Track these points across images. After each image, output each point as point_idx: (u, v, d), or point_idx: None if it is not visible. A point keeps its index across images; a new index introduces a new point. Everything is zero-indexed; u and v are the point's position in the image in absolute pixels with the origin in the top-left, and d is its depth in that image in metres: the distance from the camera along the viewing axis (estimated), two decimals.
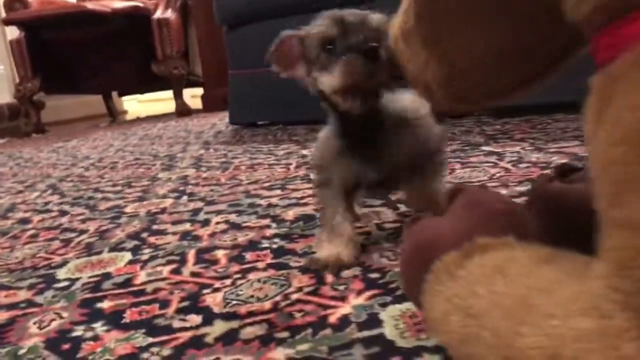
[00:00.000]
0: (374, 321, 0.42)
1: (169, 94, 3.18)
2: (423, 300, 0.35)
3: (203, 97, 3.01)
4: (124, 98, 4.17)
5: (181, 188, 1.03)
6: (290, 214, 0.75)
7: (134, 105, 4.72)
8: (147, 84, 3.15)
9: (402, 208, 0.70)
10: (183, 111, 2.92)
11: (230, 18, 1.88)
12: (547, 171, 0.76)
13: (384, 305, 0.44)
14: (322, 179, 0.58)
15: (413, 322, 0.40)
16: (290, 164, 1.14)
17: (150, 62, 2.88)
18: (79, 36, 2.84)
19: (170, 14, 2.85)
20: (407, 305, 0.43)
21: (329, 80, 0.52)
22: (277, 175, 1.03)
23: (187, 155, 1.47)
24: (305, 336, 0.41)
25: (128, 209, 0.90)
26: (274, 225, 0.70)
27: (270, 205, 0.81)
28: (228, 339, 0.42)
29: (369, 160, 0.55)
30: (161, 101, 4.28)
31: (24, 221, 0.91)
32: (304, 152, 1.27)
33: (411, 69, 0.42)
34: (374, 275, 0.50)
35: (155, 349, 0.41)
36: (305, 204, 0.79)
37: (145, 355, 0.41)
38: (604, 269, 0.24)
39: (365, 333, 0.40)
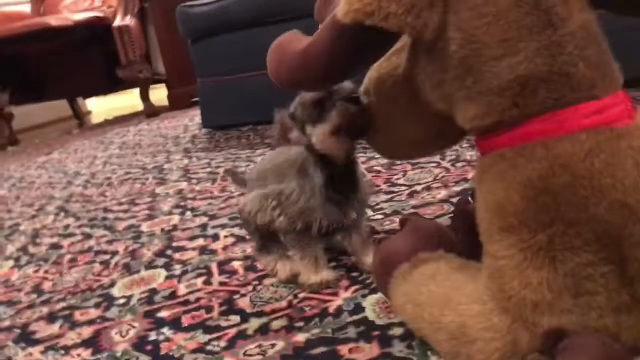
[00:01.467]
0: (359, 308, 0.62)
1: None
2: (389, 295, 0.55)
3: (169, 97, 3.15)
4: None
5: (182, 204, 1.21)
6: None
7: (96, 100, 4.79)
8: (113, 86, 3.28)
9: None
10: (151, 113, 3.06)
11: (193, 32, 2.04)
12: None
13: (364, 296, 0.65)
14: (302, 225, 0.70)
15: (385, 307, 0.61)
16: None
17: (115, 67, 3.00)
18: (43, 48, 2.95)
19: (129, 20, 2.97)
20: (380, 296, 0.63)
21: (323, 128, 0.64)
22: None
23: (174, 166, 1.64)
24: (315, 324, 0.61)
25: (144, 228, 1.09)
26: None
27: None
28: (263, 331, 0.62)
29: (348, 204, 0.69)
30: (123, 95, 4.38)
31: (56, 246, 1.09)
32: None
33: (369, 141, 0.62)
34: (355, 274, 0.71)
35: (215, 343, 0.62)
36: None
37: (209, 347, 0.61)
38: (484, 277, 0.45)
39: (355, 317, 0.61)
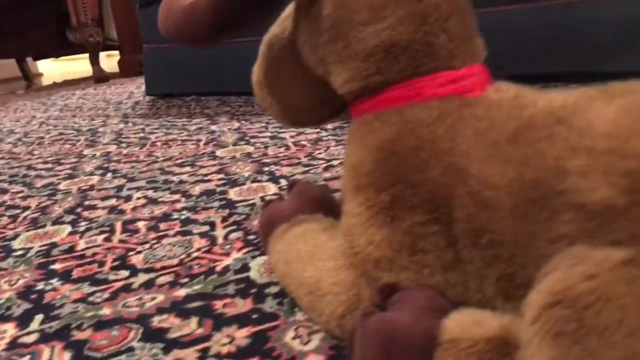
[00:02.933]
0: (245, 268, 0.64)
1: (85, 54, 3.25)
2: (268, 253, 0.57)
3: (119, 63, 3.10)
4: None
5: (105, 165, 1.21)
6: (197, 189, 0.95)
7: (49, 64, 4.68)
8: (63, 49, 3.20)
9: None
10: (100, 78, 3.01)
11: None
12: None
13: (254, 257, 0.66)
14: None
15: (269, 267, 0.63)
16: (200, 140, 1.34)
17: (65, 28, 2.93)
18: None
19: None
20: (267, 257, 0.65)
21: None
22: (188, 152, 1.23)
23: (108, 129, 1.63)
24: (198, 281, 0.62)
25: (61, 186, 1.08)
26: (183, 199, 0.91)
27: (181, 182, 1.01)
28: (148, 285, 0.63)
29: None
30: (78, 60, 4.29)
31: None
32: (213, 127, 1.47)
33: (263, 104, 0.63)
34: (251, 237, 0.72)
35: (98, 294, 0.62)
36: (209, 180, 1.00)
37: (91, 298, 0.61)
38: (340, 236, 0.47)
39: (238, 276, 0.62)
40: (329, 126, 1.30)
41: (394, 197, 0.41)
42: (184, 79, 2.04)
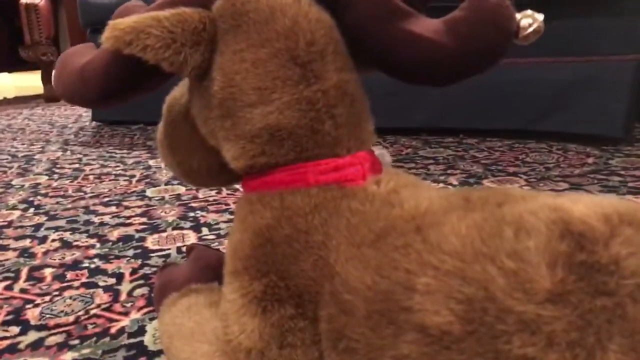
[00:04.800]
0: (141, 331, 0.62)
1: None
2: (158, 323, 0.55)
3: None
4: None
5: (30, 198, 1.17)
6: (115, 233, 0.93)
7: (3, 77, 4.57)
8: (17, 64, 3.13)
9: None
10: (51, 98, 2.95)
11: (92, 23, 1.99)
12: None
13: (152, 319, 0.64)
14: None
15: None
16: (134, 176, 1.31)
17: (18, 45, 2.88)
18: None
19: None
20: None
21: None
22: (119, 189, 1.20)
23: (44, 157, 1.59)
24: (90, 343, 0.60)
25: None
26: (98, 245, 0.88)
27: (101, 224, 0.98)
28: (35, 346, 0.60)
29: None
30: (35, 74, 4.20)
31: None
32: (151, 162, 1.45)
33: (165, 164, 0.62)
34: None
35: None
36: (130, 224, 0.97)
37: None
38: (218, 316, 0.46)
39: (131, 340, 0.60)
40: None
41: (266, 288, 0.40)
42: (131, 106, 2.01)
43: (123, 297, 0.70)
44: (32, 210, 1.09)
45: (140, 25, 0.43)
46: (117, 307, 0.68)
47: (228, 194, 1.12)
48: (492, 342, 0.27)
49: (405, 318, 0.31)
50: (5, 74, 4.37)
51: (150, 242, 0.88)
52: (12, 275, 0.79)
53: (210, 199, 1.10)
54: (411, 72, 0.47)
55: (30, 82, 4.10)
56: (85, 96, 0.51)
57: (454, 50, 0.45)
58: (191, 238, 0.89)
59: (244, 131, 0.44)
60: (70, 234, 0.94)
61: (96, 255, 0.84)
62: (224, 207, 1.04)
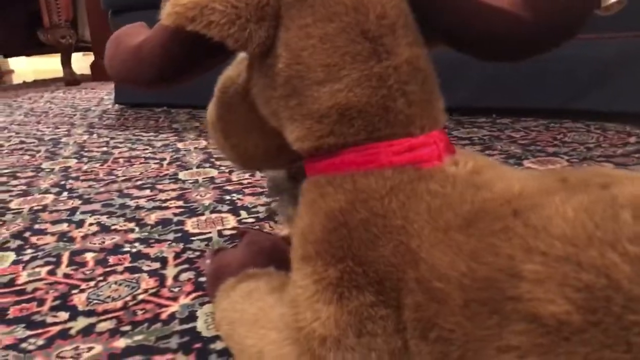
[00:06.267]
0: (191, 317, 0.60)
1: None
2: (214, 308, 0.54)
3: (92, 66, 3.04)
4: None
5: (62, 182, 1.16)
6: (153, 217, 0.92)
7: (21, 61, 4.58)
8: (35, 48, 3.12)
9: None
10: (71, 81, 2.94)
11: (114, 3, 1.97)
12: None
13: (202, 304, 0.63)
14: None
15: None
16: (164, 159, 1.30)
17: (37, 28, 2.86)
18: None
19: None
20: None
21: None
22: (150, 173, 1.19)
23: (71, 140, 1.58)
24: (141, 329, 0.59)
25: (13, 204, 1.03)
26: (137, 229, 0.87)
27: (137, 208, 0.97)
28: (86, 332, 0.59)
29: None
30: (52, 57, 4.20)
31: None
32: (179, 145, 1.43)
33: (217, 147, 0.60)
34: (202, 279, 0.69)
35: (32, 340, 0.58)
36: (167, 208, 0.96)
37: (24, 345, 0.58)
38: (285, 304, 0.44)
39: (183, 326, 0.59)
40: None
41: (343, 274, 0.39)
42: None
43: (169, 281, 0.69)
44: (65, 194, 1.08)
45: (204, 1, 0.41)
46: (165, 292, 0.66)
47: (262, 177, 1.10)
48: (622, 333, 0.25)
49: (513, 307, 0.29)
50: (22, 58, 4.38)
51: (190, 225, 0.87)
52: (53, 260, 0.78)
53: (245, 181, 1.09)
54: (485, 48, 0.45)
55: (47, 65, 4.10)
56: (140, 76, 0.49)
57: (533, 24, 0.42)
58: (230, 221, 0.88)
59: (311, 110, 0.42)
60: (107, 217, 0.93)
61: (136, 240, 0.83)
62: (259, 189, 1.03)
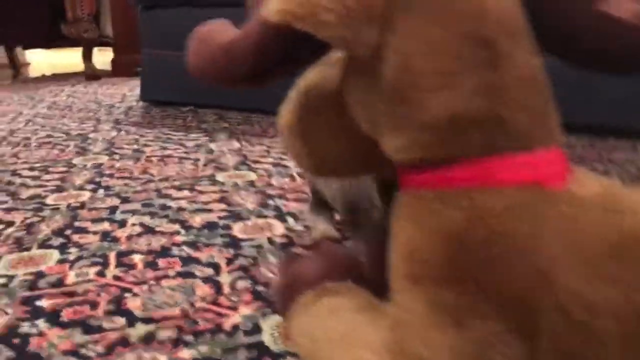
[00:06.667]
0: (256, 329, 0.58)
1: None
2: (289, 322, 0.51)
3: (113, 62, 3.02)
4: None
5: (97, 179, 1.14)
6: (197, 220, 0.89)
7: (37, 54, 4.56)
8: (55, 41, 3.11)
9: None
10: (92, 75, 2.92)
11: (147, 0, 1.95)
12: None
13: (265, 315, 0.60)
14: None
15: (284, 332, 0.57)
16: (199, 159, 1.28)
17: (60, 21, 2.85)
18: None
19: None
20: (280, 319, 0.59)
21: None
22: (187, 173, 1.16)
23: (99, 136, 1.55)
24: (205, 340, 0.56)
25: (49, 200, 1.01)
26: (182, 231, 0.84)
27: (179, 209, 0.94)
28: (147, 339, 0.57)
29: None
30: (67, 52, 4.18)
31: None
32: (212, 146, 1.41)
33: (291, 152, 0.58)
34: (260, 289, 0.66)
35: (91, 346, 0.56)
36: (210, 210, 0.93)
37: (83, 351, 0.55)
38: (386, 325, 0.41)
39: (249, 339, 0.56)
40: None
41: (461, 297, 0.36)
42: (182, 87, 1.97)
43: (226, 289, 0.66)
44: (102, 191, 1.06)
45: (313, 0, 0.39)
46: (223, 300, 0.64)
47: (303, 182, 1.08)
48: None
49: None
50: (37, 51, 4.36)
51: (237, 230, 0.84)
52: (100, 260, 0.75)
53: (286, 186, 1.06)
54: (605, 61, 0.42)
55: (63, 59, 4.09)
56: (229, 74, 0.46)
57: None
58: (279, 228, 0.85)
59: (420, 120, 0.40)
60: (150, 218, 0.90)
61: (184, 243, 0.80)
62: (303, 195, 1.00)
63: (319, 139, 0.53)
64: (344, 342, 0.43)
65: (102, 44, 3.19)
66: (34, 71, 3.69)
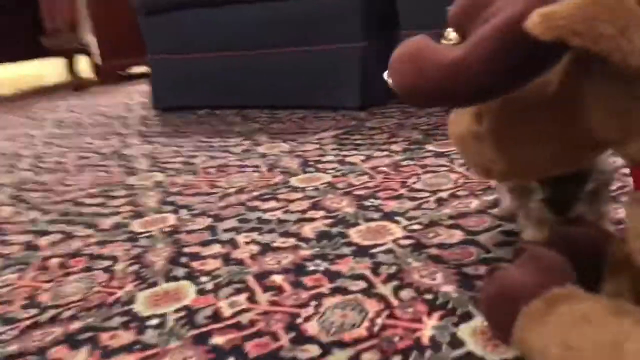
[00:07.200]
0: (456, 340, 0.57)
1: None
2: (517, 334, 0.51)
3: (99, 70, 2.94)
4: None
5: (168, 199, 1.11)
6: (308, 230, 0.88)
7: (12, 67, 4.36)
8: (35, 54, 3.00)
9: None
10: (79, 86, 2.83)
11: (149, 4, 1.89)
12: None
13: (455, 324, 0.60)
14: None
15: (487, 338, 0.57)
16: (258, 166, 1.25)
17: (38, 34, 2.75)
18: None
19: None
20: (475, 325, 0.59)
21: None
22: (258, 182, 1.14)
23: (136, 152, 1.51)
24: (414, 359, 0.56)
25: (136, 227, 0.98)
26: (303, 244, 0.83)
27: (280, 221, 0.93)
28: None
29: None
30: (28, 63, 4.02)
31: (32, 246, 0.95)
32: (260, 149, 1.39)
33: (475, 160, 0.57)
34: (428, 296, 0.66)
35: None
36: (312, 219, 0.92)
37: None
38: None
39: (457, 352, 0.56)
40: (397, 148, 1.24)
41: None
42: (194, 90, 1.93)
43: (395, 302, 0.65)
44: (184, 211, 1.03)
45: (589, 13, 0.38)
46: (399, 312, 0.63)
47: (384, 178, 1.07)
48: None
49: None
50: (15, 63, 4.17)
51: (355, 236, 0.83)
52: (241, 286, 0.73)
53: (369, 184, 1.05)
54: None
55: (39, 71, 3.93)
56: (460, 93, 0.45)
57: None
58: (395, 231, 0.84)
59: None
60: (258, 234, 0.88)
61: (315, 256, 0.78)
62: (393, 192, 0.99)
63: (523, 145, 0.53)
64: (617, 349, 0.44)
65: (80, 51, 3.09)
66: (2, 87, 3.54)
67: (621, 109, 0.43)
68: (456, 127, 0.58)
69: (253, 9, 1.75)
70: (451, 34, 0.52)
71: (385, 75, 0.53)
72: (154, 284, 0.77)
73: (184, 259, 0.83)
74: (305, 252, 0.80)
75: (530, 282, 0.52)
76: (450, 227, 0.83)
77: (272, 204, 1.01)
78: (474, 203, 0.90)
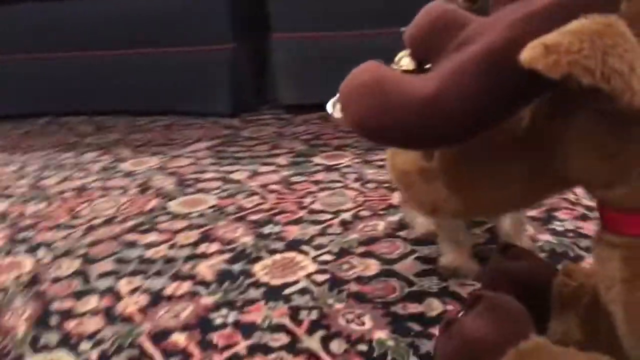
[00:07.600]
0: None
1: None
2: None
3: None
4: None
5: (19, 235, 0.92)
6: (204, 270, 0.76)
7: None
8: None
9: None
10: None
11: None
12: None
13: None
14: None
15: None
16: (125, 187, 1.10)
17: None
18: None
19: None
20: None
21: None
22: (128, 209, 0.99)
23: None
24: None
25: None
26: (201, 289, 0.71)
27: (168, 260, 0.80)
28: None
29: None
30: None
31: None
32: (126, 166, 1.22)
33: (421, 198, 0.50)
34: (362, 348, 0.58)
35: None
36: (206, 255, 0.80)
37: None
38: None
39: None
40: (283, 162, 1.15)
41: None
42: (33, 96, 1.70)
43: None
44: (43, 251, 0.86)
45: (601, 46, 0.32)
46: None
47: (278, 199, 0.98)
48: None
49: None
50: None
51: (262, 274, 0.73)
52: (134, 353, 0.60)
53: (264, 207, 0.95)
54: None
55: None
56: (437, 132, 0.38)
57: None
58: (307, 266, 0.76)
59: None
60: (144, 278, 0.75)
61: (220, 305, 0.67)
62: (292, 215, 0.91)
63: (483, 185, 0.47)
64: None
65: None
66: None
67: (613, 152, 0.38)
68: (398, 160, 0.51)
69: (103, 3, 1.56)
70: (404, 59, 0.44)
71: (330, 107, 0.44)
72: None
73: (54, 320, 0.68)
74: (207, 300, 0.69)
75: (493, 335, 0.47)
76: (363, 255, 0.76)
77: (153, 236, 0.87)
78: (381, 225, 0.84)
